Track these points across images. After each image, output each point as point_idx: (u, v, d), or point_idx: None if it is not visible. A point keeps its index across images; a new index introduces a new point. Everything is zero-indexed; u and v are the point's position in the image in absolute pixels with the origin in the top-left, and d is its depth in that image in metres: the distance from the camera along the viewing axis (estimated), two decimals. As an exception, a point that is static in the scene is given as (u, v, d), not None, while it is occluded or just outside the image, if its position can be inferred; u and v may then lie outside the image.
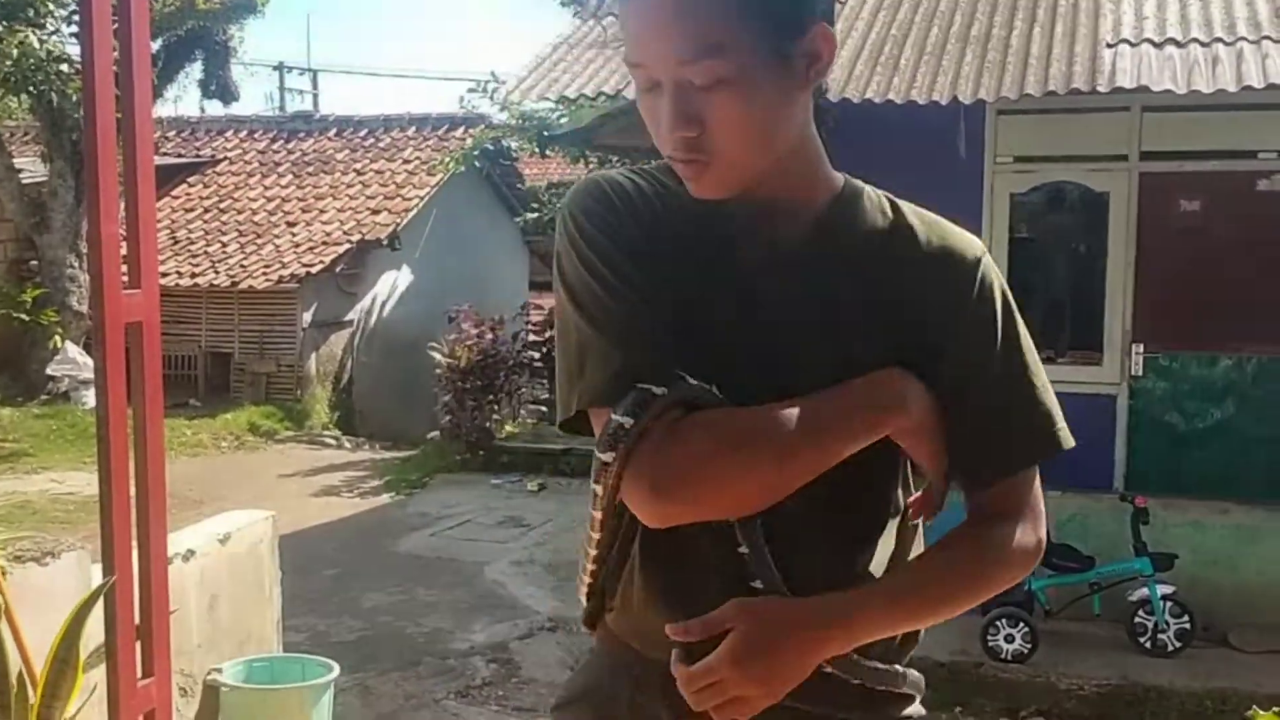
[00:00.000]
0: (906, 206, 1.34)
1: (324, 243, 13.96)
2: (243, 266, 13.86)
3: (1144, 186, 6.78)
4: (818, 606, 1.22)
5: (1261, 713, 1.72)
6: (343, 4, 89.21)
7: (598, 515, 1.31)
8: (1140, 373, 6.84)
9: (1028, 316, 1.33)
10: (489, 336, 10.88)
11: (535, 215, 14.71)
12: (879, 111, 6.11)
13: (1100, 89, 5.75)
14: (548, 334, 13.28)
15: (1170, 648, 5.46)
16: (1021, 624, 5.39)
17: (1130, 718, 4.95)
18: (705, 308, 1.25)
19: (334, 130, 16.42)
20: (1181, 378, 6.88)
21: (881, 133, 6.22)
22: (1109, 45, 6.05)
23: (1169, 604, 5.49)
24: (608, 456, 1.21)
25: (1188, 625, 5.49)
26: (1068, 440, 1.32)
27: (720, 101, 1.18)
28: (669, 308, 1.23)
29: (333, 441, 12.71)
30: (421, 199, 14.54)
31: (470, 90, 31.08)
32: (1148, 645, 5.48)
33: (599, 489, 1.25)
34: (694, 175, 1.24)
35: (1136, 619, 5.52)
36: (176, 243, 14.38)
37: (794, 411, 1.18)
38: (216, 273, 13.80)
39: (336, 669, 4.15)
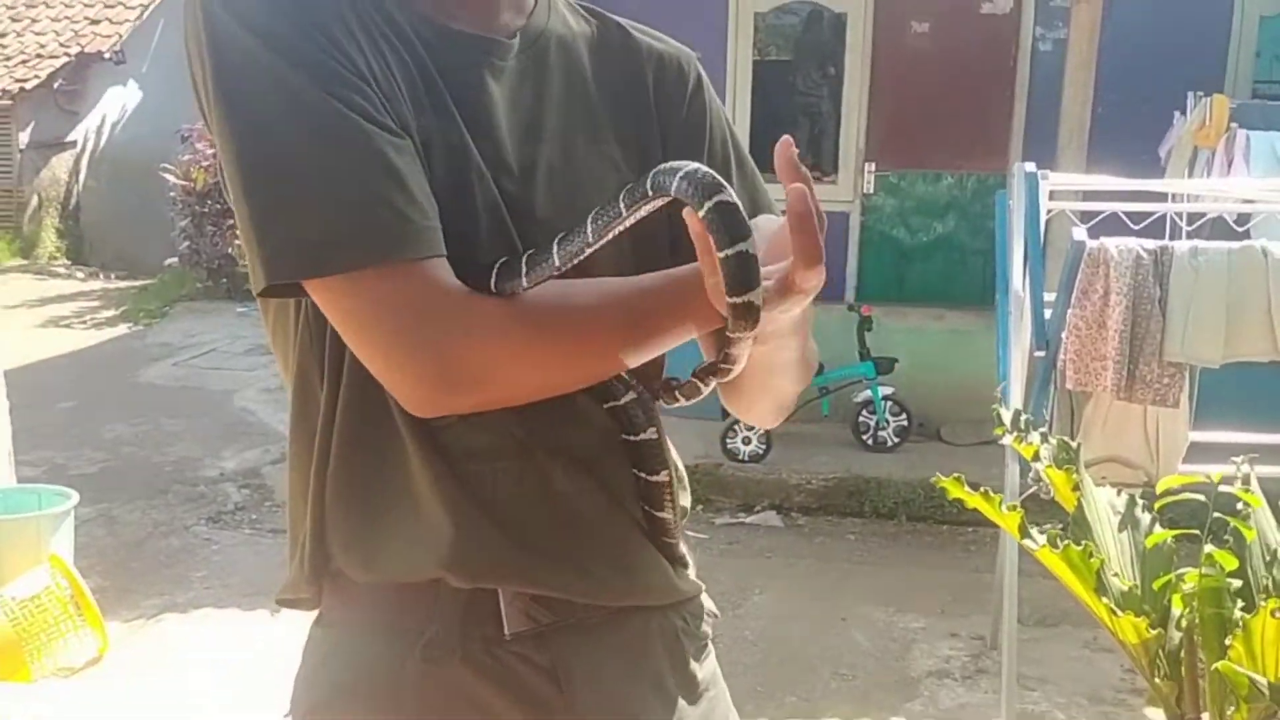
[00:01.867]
0: (593, 8, 1.22)
1: (38, 56, 12.83)
2: (-55, 81, 12.66)
3: (879, 8, 7.01)
4: None
5: (943, 478, 1.95)
6: None
7: None
8: (872, 190, 7.21)
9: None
10: (228, 157, 10.34)
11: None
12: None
13: (837, -92, 5.86)
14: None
15: (890, 444, 5.94)
16: (757, 427, 5.74)
17: (852, 505, 5.40)
18: (435, 120, 1.02)
19: (41, -70, 14.90)
20: (909, 195, 7.29)
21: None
22: None
23: (889, 404, 5.94)
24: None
25: (906, 423, 5.97)
26: None
27: None
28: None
29: (63, 271, 12.01)
30: (146, 8, 13.46)
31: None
32: (870, 442, 5.95)
33: None
34: None
35: (860, 418, 5.97)
36: None
37: (617, 297, 0.99)
38: (-87, 88, 12.58)
39: (76, 496, 4.06)
